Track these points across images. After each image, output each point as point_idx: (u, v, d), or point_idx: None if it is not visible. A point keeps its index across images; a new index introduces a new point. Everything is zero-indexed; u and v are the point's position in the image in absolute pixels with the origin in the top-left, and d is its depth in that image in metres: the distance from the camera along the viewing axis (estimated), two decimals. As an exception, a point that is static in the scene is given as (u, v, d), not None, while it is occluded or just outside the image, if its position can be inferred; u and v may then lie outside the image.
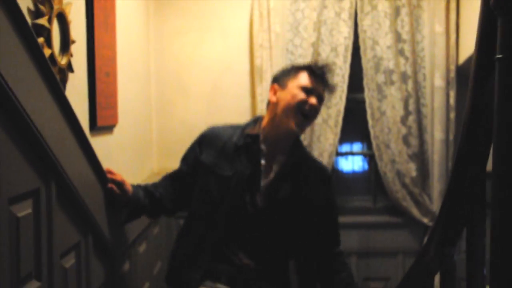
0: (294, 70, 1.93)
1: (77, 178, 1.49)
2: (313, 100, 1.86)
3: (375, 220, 3.35)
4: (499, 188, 0.83)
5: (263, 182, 1.88)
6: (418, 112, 3.17)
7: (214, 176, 1.88)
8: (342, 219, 3.26)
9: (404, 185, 3.19)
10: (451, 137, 3.15)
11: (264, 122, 1.93)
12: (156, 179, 2.84)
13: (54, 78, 1.28)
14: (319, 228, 1.97)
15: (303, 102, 1.84)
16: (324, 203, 1.96)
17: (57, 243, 1.38)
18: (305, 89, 1.86)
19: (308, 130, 3.11)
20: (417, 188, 3.18)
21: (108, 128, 2.05)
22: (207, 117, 3.18)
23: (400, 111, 3.15)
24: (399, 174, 3.18)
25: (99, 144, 1.91)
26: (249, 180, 1.86)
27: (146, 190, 1.94)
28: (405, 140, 3.18)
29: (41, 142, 1.23)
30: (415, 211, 3.20)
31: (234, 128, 1.97)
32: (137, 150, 2.65)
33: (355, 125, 3.45)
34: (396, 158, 3.17)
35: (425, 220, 3.18)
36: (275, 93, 1.91)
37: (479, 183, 1.02)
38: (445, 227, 1.17)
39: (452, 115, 3.13)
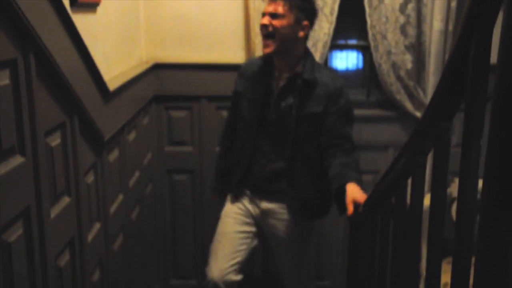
0: None
1: (59, 53, 1.41)
2: (263, 20, 2.14)
3: (367, 113, 3.31)
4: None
5: (272, 98, 2.27)
6: (418, -1, 3.02)
7: (244, 99, 2.33)
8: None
9: (399, 77, 3.12)
10: (450, 27, 3.03)
11: None
12: (144, 68, 2.76)
13: None
14: (320, 130, 2.25)
15: (260, 27, 2.17)
16: (325, 113, 2.21)
17: (40, 120, 1.33)
18: (262, 14, 2.18)
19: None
20: (412, 81, 3.11)
21: (91, 6, 1.92)
22: (198, 5, 3.03)
23: (399, -1, 3.00)
24: (394, 66, 3.10)
25: (81, 23, 1.80)
26: (265, 97, 2.27)
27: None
28: (403, 30, 3.05)
29: (14, 7, 1.14)
30: (408, 105, 3.16)
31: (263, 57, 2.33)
32: (124, 36, 2.53)
33: (351, 19, 3.31)
34: (392, 49, 3.07)
35: (418, 114, 3.15)
36: None
37: (483, 49, 0.96)
38: (443, 99, 1.12)
39: (454, 3, 2.99)
